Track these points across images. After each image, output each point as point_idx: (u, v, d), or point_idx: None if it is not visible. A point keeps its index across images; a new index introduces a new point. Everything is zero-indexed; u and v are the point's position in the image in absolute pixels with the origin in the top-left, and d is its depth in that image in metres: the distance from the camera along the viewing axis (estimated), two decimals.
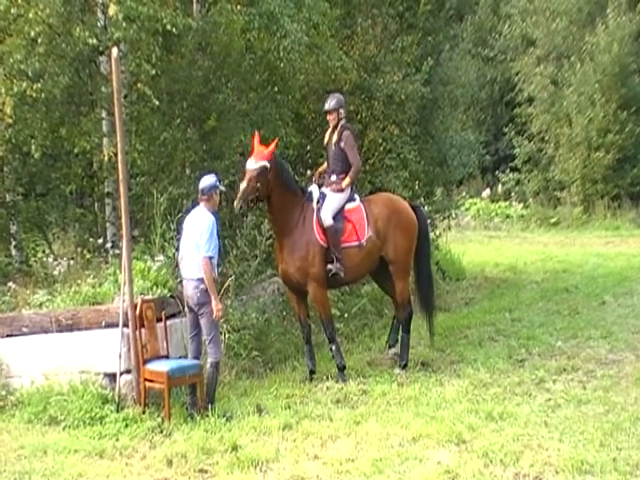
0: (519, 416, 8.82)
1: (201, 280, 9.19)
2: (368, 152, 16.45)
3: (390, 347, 11.77)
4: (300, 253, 10.81)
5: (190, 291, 9.31)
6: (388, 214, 11.40)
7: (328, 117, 11.43)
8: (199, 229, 9.26)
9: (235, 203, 10.36)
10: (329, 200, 11.04)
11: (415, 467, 7.43)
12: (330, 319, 11.22)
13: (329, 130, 11.54)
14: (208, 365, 9.30)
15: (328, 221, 10.87)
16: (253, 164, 10.36)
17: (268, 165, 10.39)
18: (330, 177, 11.33)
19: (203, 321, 9.28)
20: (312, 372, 10.93)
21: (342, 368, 10.87)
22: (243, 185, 10.26)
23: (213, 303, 9.18)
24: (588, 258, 24.09)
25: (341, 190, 11.13)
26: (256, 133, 10.76)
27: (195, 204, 9.78)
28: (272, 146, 10.54)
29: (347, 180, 11.18)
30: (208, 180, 9.53)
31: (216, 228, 9.37)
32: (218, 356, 9.35)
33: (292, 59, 13.10)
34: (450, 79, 19.80)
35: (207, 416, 8.91)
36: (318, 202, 11.02)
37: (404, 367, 11.29)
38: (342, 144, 11.24)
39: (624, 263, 22.77)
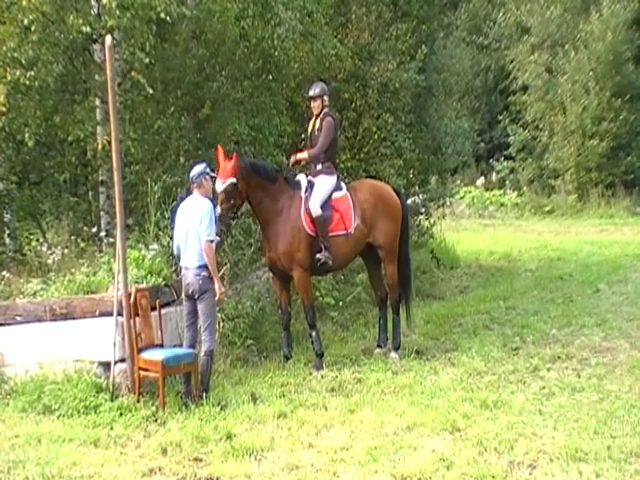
0: (513, 404, 8.84)
1: (202, 267, 9.23)
2: (362, 140, 16.44)
3: (378, 346, 11.77)
4: (286, 239, 10.88)
5: (191, 279, 9.31)
6: (374, 201, 11.53)
7: (312, 104, 11.45)
8: (197, 216, 9.28)
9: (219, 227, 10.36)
10: (316, 190, 11.10)
11: (410, 455, 7.43)
12: (312, 305, 11.27)
13: (312, 119, 11.59)
14: (202, 353, 9.31)
15: (317, 212, 10.95)
16: (221, 185, 10.36)
17: (235, 180, 10.42)
18: (316, 166, 11.35)
19: (202, 307, 9.29)
20: (287, 358, 11.02)
21: (320, 355, 10.95)
22: (218, 210, 10.16)
23: (216, 286, 9.25)
24: (582, 246, 24.17)
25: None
26: (219, 148, 10.68)
27: (188, 193, 9.78)
28: (234, 160, 10.44)
29: (304, 155, 11.43)
30: (198, 168, 9.58)
31: (213, 212, 9.40)
32: (212, 344, 9.35)
33: (286, 47, 13.10)
34: (444, 67, 19.81)
35: (202, 405, 8.91)
36: (306, 191, 11.07)
37: (397, 348, 11.49)
38: (322, 128, 11.33)
39: (618, 251, 22.85)
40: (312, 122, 11.56)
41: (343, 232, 11.18)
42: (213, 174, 9.95)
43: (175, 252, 9.83)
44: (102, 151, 11.99)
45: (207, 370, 9.29)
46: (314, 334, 11.05)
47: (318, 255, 10.96)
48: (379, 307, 12.05)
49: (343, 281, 14.45)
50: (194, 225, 9.30)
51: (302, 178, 11.27)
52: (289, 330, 11.22)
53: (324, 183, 11.15)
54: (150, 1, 11.07)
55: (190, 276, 9.32)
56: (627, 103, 34.16)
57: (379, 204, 11.56)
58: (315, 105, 11.40)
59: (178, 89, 12.64)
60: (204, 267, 9.24)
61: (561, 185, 36.45)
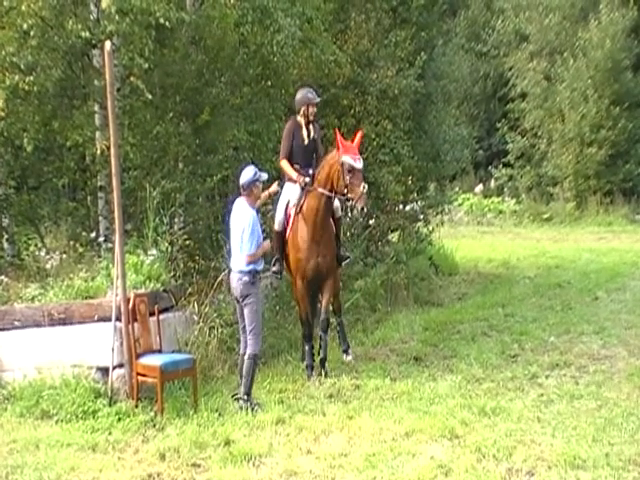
0: (512, 411, 8.83)
1: (244, 273, 9.34)
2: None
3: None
4: (332, 242, 10.98)
5: (234, 283, 9.46)
6: None
7: (311, 110, 11.16)
8: (241, 226, 9.37)
9: (364, 204, 10.43)
10: None
11: (408, 462, 7.43)
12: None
13: (303, 129, 11.21)
14: (246, 357, 9.38)
15: (339, 212, 11.21)
16: (361, 163, 10.52)
17: None
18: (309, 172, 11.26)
19: (246, 312, 9.39)
20: (313, 369, 10.84)
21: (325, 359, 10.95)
22: (366, 187, 10.38)
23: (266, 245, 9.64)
24: (581, 254, 24.20)
25: None
26: (337, 131, 10.85)
27: (237, 194, 9.77)
28: (359, 137, 10.78)
29: None
30: (247, 174, 9.49)
31: (257, 223, 9.43)
32: (257, 348, 9.39)
33: (285, 53, 13.08)
34: (443, 74, 19.84)
35: (200, 411, 8.91)
36: None
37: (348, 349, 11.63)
38: (316, 137, 11.29)
39: (617, 259, 22.86)
40: (305, 129, 11.23)
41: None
42: (265, 176, 9.73)
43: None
44: (101, 156, 11.99)
45: (250, 373, 9.31)
46: (327, 338, 11.06)
47: (348, 253, 11.25)
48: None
49: (342, 288, 14.42)
50: (237, 234, 9.43)
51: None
52: (312, 342, 11.04)
53: None
54: (149, 6, 11.07)
55: (234, 279, 9.48)
56: (625, 111, 34.18)
57: None
58: (314, 111, 11.24)
59: (177, 94, 12.64)
60: (246, 272, 9.34)
61: (559, 193, 36.48)
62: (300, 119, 11.22)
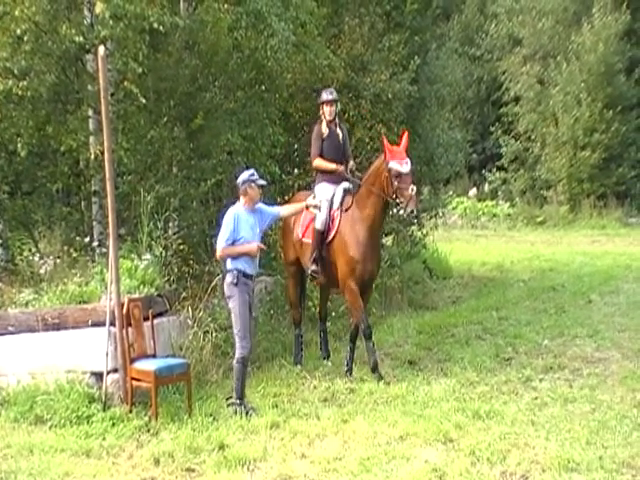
0: (506, 415, 8.83)
1: (228, 273, 9.38)
2: (355, 151, 16.40)
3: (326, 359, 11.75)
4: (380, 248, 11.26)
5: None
6: None
7: (329, 108, 11.30)
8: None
9: (413, 207, 10.43)
10: None
11: (402, 466, 7.43)
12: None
13: (323, 124, 11.37)
14: (234, 360, 9.37)
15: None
16: (409, 166, 10.48)
17: None
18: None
19: (231, 315, 9.42)
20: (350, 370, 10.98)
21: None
22: (415, 189, 10.38)
23: (251, 247, 9.38)
24: (574, 257, 24.25)
25: None
26: (384, 137, 10.87)
27: (231, 199, 9.94)
28: (405, 140, 10.72)
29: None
30: (243, 175, 9.56)
31: (238, 221, 9.35)
32: (245, 351, 9.31)
33: (279, 58, 13.09)
34: (437, 78, 19.85)
35: (194, 415, 8.89)
36: None
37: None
38: (345, 137, 11.45)
39: (610, 262, 22.91)
40: (326, 128, 11.36)
41: None
42: (263, 182, 9.77)
43: None
44: (95, 161, 11.97)
45: (240, 377, 9.29)
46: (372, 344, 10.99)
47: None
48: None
49: (336, 292, 14.43)
50: None
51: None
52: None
53: None
54: (143, 11, 11.07)
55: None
56: (619, 114, 34.31)
57: None
58: (332, 110, 11.31)
59: (171, 99, 12.62)
60: (229, 272, 9.37)
61: (553, 196, 36.62)
62: (322, 120, 11.41)
